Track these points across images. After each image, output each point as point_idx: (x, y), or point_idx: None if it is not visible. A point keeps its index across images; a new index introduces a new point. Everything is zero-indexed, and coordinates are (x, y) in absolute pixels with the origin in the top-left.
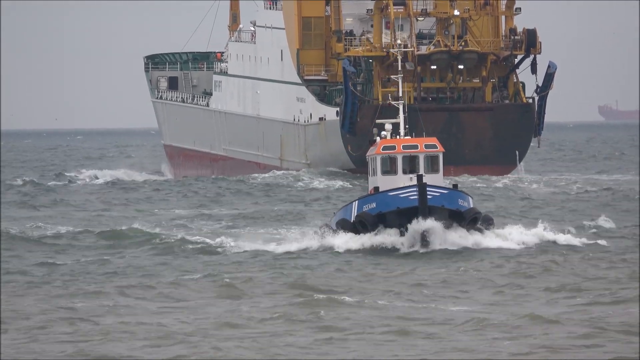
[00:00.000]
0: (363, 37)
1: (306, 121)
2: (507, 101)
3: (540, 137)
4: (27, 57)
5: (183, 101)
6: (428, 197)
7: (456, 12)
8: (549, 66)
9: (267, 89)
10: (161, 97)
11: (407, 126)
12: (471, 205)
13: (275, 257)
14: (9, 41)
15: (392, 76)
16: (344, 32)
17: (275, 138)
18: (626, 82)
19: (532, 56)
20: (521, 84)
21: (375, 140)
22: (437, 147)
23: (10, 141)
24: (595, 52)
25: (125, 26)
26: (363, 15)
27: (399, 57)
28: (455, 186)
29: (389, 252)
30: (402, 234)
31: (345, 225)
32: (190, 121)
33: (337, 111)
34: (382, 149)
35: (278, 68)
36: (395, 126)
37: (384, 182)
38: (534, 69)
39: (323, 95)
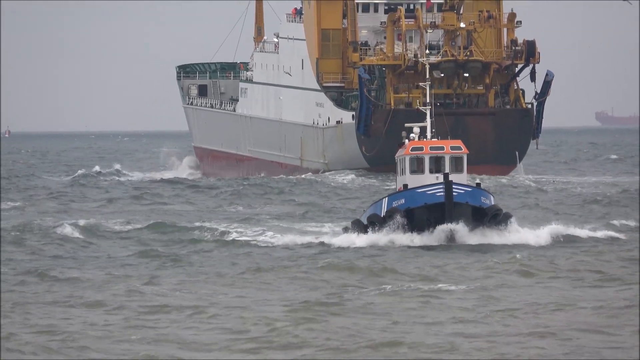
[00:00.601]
0: (377, 47)
1: (324, 124)
2: (508, 106)
3: (538, 139)
4: (67, 63)
5: (212, 107)
6: (453, 194)
7: (462, 25)
8: (546, 74)
9: (288, 95)
10: (192, 103)
11: (433, 129)
12: (492, 203)
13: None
14: (48, 45)
15: (420, 83)
16: (359, 42)
17: (296, 140)
18: (621, 90)
19: (531, 65)
20: (521, 91)
21: (403, 143)
22: (461, 149)
23: (61, 142)
24: (592, 61)
25: (156, 36)
26: (377, 28)
27: (427, 66)
28: (478, 185)
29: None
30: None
31: (376, 220)
32: (218, 125)
33: (352, 115)
34: (411, 150)
35: (299, 76)
36: (423, 129)
37: (412, 181)
38: (533, 77)
39: (340, 100)
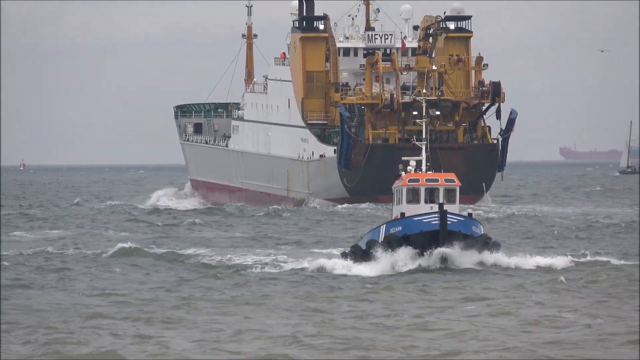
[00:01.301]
0: (356, 87)
1: (309, 158)
2: (475, 142)
3: (503, 171)
4: (73, 102)
5: (206, 143)
6: (448, 222)
7: (434, 67)
8: (511, 112)
9: (276, 132)
10: (188, 140)
11: (428, 163)
12: (482, 232)
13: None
14: (54, 90)
15: (417, 120)
16: (340, 83)
17: (283, 172)
18: (583, 127)
19: (497, 104)
20: (487, 128)
21: (400, 175)
22: (454, 182)
23: (81, 175)
24: (556, 100)
25: (152, 77)
26: (357, 70)
27: (424, 104)
28: (470, 215)
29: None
30: (422, 255)
31: (374, 245)
32: (213, 159)
33: (334, 149)
34: (408, 181)
35: (285, 114)
36: (418, 163)
37: (408, 210)
38: (498, 115)
39: (323, 136)
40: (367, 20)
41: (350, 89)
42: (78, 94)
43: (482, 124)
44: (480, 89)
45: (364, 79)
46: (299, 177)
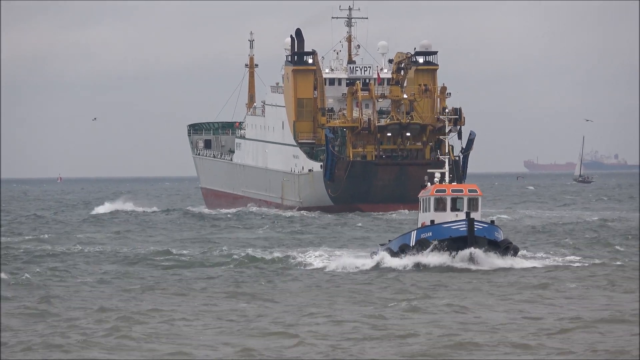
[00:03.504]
0: (340, 112)
1: (300, 172)
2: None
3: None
4: (101, 123)
5: (214, 157)
6: (474, 229)
7: (405, 96)
8: (470, 134)
9: (272, 149)
10: (199, 154)
11: (451, 175)
12: (503, 237)
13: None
14: (92, 112)
15: (441, 137)
16: (326, 109)
17: (278, 183)
18: (544, 142)
19: (458, 127)
20: (451, 147)
21: (426, 185)
22: (477, 192)
23: (115, 185)
24: (514, 120)
25: (169, 98)
26: (340, 97)
27: (447, 122)
28: (492, 222)
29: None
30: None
31: (407, 248)
32: (219, 171)
33: (321, 165)
34: (435, 192)
35: (280, 134)
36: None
37: (436, 217)
38: (459, 136)
39: (311, 153)
40: (350, 55)
41: (334, 114)
42: (110, 117)
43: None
44: (444, 113)
45: (345, 105)
46: (291, 188)
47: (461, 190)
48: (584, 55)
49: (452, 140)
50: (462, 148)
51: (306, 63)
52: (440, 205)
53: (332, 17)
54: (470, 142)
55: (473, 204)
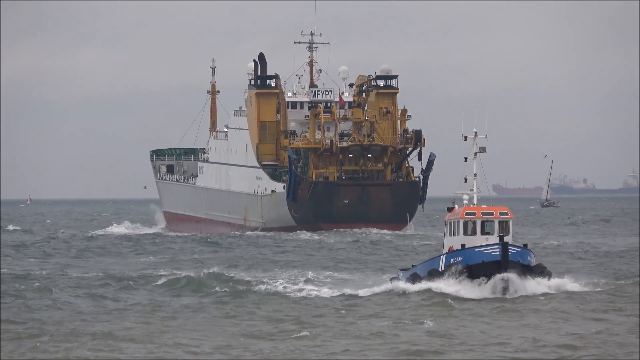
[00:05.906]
0: (302, 134)
1: (263, 193)
2: (401, 179)
3: (423, 204)
4: (66, 146)
5: (177, 181)
6: (508, 253)
7: (366, 118)
8: (430, 155)
9: (235, 171)
10: (162, 179)
11: (479, 197)
12: (535, 262)
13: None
14: (62, 135)
15: (467, 157)
16: (289, 131)
17: (241, 205)
18: (513, 167)
19: (418, 148)
20: (411, 168)
21: (453, 208)
22: (508, 215)
23: (84, 207)
24: (489, 145)
25: (131, 124)
26: (302, 120)
27: (474, 142)
28: (525, 246)
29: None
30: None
31: (435, 274)
32: (182, 195)
33: (284, 186)
34: (465, 214)
35: (243, 157)
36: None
37: (466, 241)
38: (420, 157)
39: (274, 175)
40: (311, 79)
41: (297, 136)
42: (77, 140)
43: (406, 165)
44: (405, 135)
45: (308, 128)
46: (255, 209)
47: (492, 213)
48: (559, 80)
49: (412, 161)
50: (422, 169)
51: (269, 86)
52: (470, 228)
53: (295, 42)
54: (430, 163)
55: (504, 226)
